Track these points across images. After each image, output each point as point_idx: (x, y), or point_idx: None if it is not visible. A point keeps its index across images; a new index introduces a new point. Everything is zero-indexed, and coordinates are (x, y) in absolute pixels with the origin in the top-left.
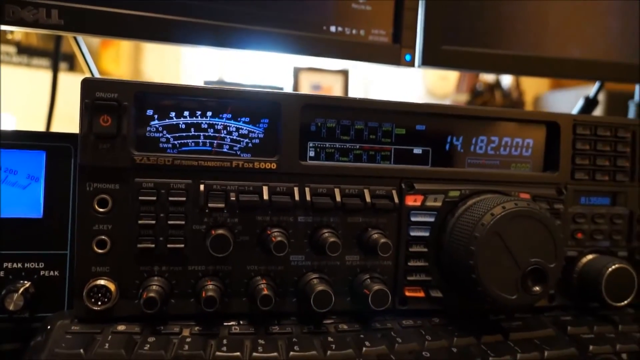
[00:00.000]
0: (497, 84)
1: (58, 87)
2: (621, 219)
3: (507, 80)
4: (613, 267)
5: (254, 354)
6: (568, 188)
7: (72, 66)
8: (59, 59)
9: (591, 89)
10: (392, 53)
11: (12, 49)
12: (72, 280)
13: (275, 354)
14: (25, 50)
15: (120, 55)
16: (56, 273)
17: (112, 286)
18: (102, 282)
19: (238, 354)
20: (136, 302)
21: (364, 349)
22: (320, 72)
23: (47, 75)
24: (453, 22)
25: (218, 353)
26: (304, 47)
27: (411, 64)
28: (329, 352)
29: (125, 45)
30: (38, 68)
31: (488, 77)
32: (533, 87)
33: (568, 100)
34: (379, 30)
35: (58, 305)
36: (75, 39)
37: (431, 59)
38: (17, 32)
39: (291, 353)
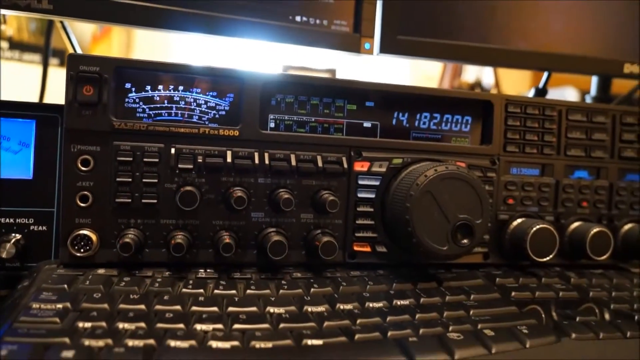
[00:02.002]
0: (478, 84)
1: (48, 81)
2: (549, 188)
3: (488, 80)
4: (537, 227)
5: (216, 291)
6: (500, 159)
7: (63, 62)
8: (49, 53)
9: (570, 91)
10: (353, 42)
11: (4, 44)
12: (59, 233)
13: (234, 291)
14: (17, 46)
15: (112, 52)
16: (44, 228)
17: (93, 236)
18: (84, 232)
19: (201, 290)
20: (114, 250)
21: (312, 289)
22: (308, 71)
23: (38, 69)
24: (408, 14)
25: (184, 290)
26: (271, 34)
27: (370, 52)
28: (280, 291)
29: (116, 42)
30: (29, 63)
31: (469, 77)
32: (514, 87)
33: None
34: (340, 20)
35: (46, 257)
36: (66, 32)
37: (388, 48)
38: (9, 27)
39: (248, 291)
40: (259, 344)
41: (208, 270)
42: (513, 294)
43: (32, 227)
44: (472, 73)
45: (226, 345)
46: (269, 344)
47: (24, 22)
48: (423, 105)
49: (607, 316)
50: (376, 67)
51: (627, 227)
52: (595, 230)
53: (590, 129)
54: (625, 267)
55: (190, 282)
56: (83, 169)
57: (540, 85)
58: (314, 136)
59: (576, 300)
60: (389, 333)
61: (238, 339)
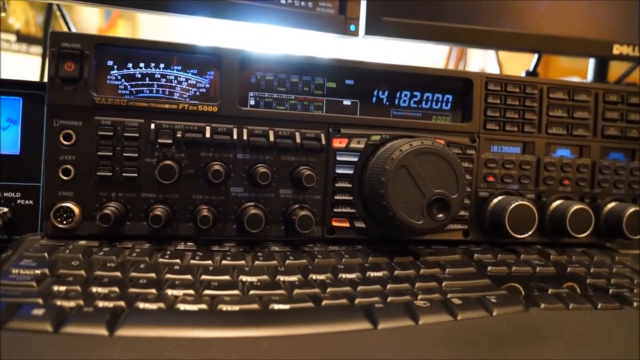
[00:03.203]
0: None
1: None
2: (530, 166)
3: (492, 69)
4: (515, 204)
5: (192, 261)
6: (480, 137)
7: None
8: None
9: (571, 78)
10: (338, 23)
11: (12, 37)
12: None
13: (209, 261)
14: (24, 39)
15: None
16: (30, 202)
17: (75, 208)
18: (66, 204)
19: (177, 260)
20: (96, 223)
21: (287, 261)
22: None
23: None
24: None
25: (161, 259)
26: (256, 16)
27: (355, 33)
28: (256, 262)
29: (121, 35)
30: (36, 56)
31: (473, 68)
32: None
33: None
34: (326, 2)
35: (32, 230)
36: (65, 21)
37: (374, 30)
38: (17, 20)
39: (223, 262)
40: (226, 307)
41: (188, 243)
42: (489, 268)
43: (19, 201)
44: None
45: (194, 307)
46: (236, 307)
47: (31, 15)
48: (403, 84)
49: (580, 290)
50: (377, 54)
51: (610, 205)
52: (575, 207)
53: (572, 107)
54: (609, 246)
55: (168, 252)
56: (65, 143)
57: (531, 68)
58: (293, 113)
59: (553, 276)
60: (357, 300)
61: (206, 303)
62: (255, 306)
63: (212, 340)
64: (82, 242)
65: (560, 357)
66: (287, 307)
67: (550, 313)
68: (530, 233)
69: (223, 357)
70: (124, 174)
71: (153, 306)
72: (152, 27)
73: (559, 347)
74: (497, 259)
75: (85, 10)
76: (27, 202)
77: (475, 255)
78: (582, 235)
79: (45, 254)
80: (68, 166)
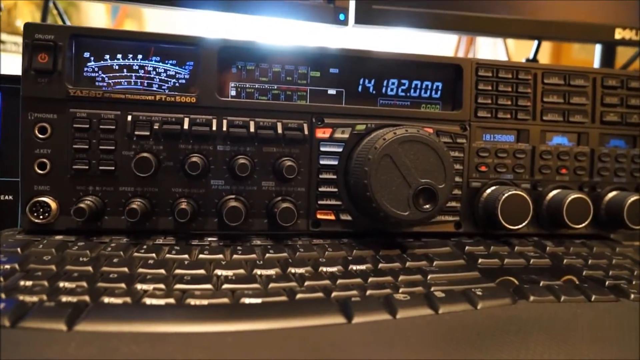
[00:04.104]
0: None
1: None
2: (524, 154)
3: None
4: (508, 193)
5: (167, 255)
6: (471, 125)
7: None
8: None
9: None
10: (327, 12)
11: (19, 39)
12: None
13: (185, 255)
14: None
15: None
16: (10, 197)
17: (52, 203)
18: (43, 198)
19: (153, 254)
20: (74, 218)
21: (267, 255)
22: None
23: None
24: None
25: (135, 254)
26: (243, 7)
27: (345, 22)
28: (234, 256)
29: None
30: None
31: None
32: None
33: None
34: None
35: (13, 226)
36: (62, 18)
37: (364, 18)
38: (23, 21)
39: (200, 255)
40: (194, 302)
41: (168, 238)
42: (480, 261)
43: None
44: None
45: (160, 302)
46: (204, 302)
47: (38, 17)
48: (391, 72)
49: (576, 282)
50: (379, 45)
51: (610, 194)
52: (572, 197)
53: (568, 93)
54: (613, 237)
55: (144, 247)
56: (40, 136)
57: (531, 55)
58: (274, 103)
59: (547, 268)
60: (333, 294)
61: (175, 297)
62: (225, 300)
63: (173, 335)
64: (59, 237)
65: (546, 352)
66: (258, 301)
67: (538, 306)
68: (524, 224)
69: (182, 353)
70: (100, 167)
71: (118, 300)
72: (158, 26)
73: (545, 342)
74: (490, 251)
75: (92, 10)
76: (6, 197)
77: (467, 247)
78: (581, 225)
79: (18, 249)
80: (44, 160)
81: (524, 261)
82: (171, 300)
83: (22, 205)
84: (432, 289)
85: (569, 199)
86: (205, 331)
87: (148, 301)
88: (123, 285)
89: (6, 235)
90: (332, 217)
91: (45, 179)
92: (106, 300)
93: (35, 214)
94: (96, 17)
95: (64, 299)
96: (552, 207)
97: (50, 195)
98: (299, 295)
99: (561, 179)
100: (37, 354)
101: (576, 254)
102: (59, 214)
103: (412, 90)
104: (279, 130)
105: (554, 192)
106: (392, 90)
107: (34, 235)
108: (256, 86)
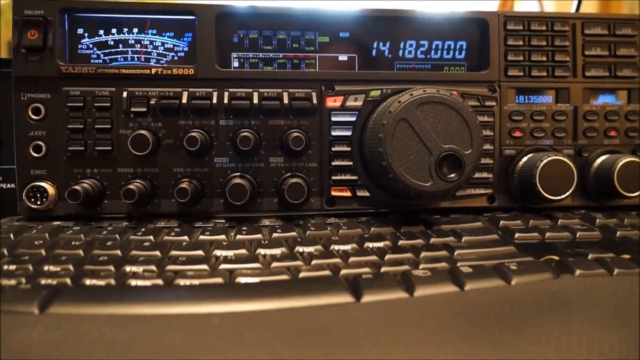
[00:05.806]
0: None
1: None
2: (565, 116)
3: None
4: (547, 159)
5: (166, 237)
6: (501, 86)
7: None
8: None
9: None
10: None
11: None
12: None
13: (185, 237)
14: None
15: None
16: (12, 185)
17: (50, 188)
18: (40, 183)
19: (150, 237)
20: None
21: (274, 234)
22: None
23: None
24: None
25: (132, 237)
26: None
27: None
28: (238, 236)
29: None
30: None
31: None
32: None
33: None
34: None
35: (15, 213)
36: None
37: None
38: None
39: (201, 237)
40: (184, 282)
41: (171, 221)
42: (517, 235)
43: (1, 185)
44: None
45: (146, 283)
46: (196, 282)
47: None
48: (407, 32)
49: (629, 255)
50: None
51: None
52: (624, 161)
53: (614, 44)
54: None
55: (142, 230)
56: (34, 117)
57: (572, 10)
58: (278, 71)
59: (597, 241)
60: (342, 272)
61: (165, 279)
62: (218, 280)
63: (150, 317)
64: (56, 223)
65: (595, 330)
66: (256, 280)
67: (586, 280)
68: (568, 194)
69: (157, 335)
70: (97, 148)
71: (101, 282)
72: None
73: (595, 320)
74: (529, 225)
75: None
76: (8, 185)
77: (502, 222)
78: (635, 194)
79: (11, 235)
80: (39, 142)
81: (569, 235)
82: (159, 282)
83: (19, 191)
84: (458, 264)
85: (620, 163)
86: (188, 313)
87: (133, 282)
88: (111, 267)
89: (4, 223)
90: (349, 194)
91: (41, 163)
92: (87, 282)
93: (32, 200)
94: None
95: (44, 281)
96: (600, 174)
97: (48, 179)
98: (302, 274)
99: (610, 143)
100: (1, 338)
101: (631, 226)
102: (57, 199)
103: (432, 52)
104: (285, 101)
105: (602, 157)
106: (410, 52)
107: (31, 222)
108: (260, 55)
